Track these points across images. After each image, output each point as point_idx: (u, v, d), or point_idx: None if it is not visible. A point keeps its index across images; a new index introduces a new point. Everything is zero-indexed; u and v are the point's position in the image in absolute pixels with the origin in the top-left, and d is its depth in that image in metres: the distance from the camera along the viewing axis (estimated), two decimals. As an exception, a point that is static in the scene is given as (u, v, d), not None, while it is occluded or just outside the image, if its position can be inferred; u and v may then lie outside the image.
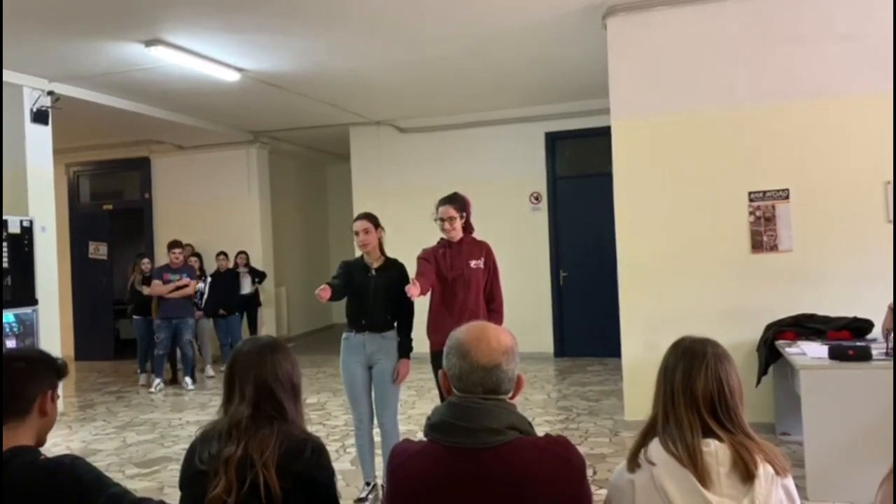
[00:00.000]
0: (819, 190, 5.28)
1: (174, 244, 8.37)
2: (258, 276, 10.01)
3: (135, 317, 8.82)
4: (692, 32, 5.51)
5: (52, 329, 7.07)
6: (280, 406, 1.91)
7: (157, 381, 8.16)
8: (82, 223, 11.09)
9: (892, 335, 4.16)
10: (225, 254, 9.55)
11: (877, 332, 4.61)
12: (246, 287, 9.75)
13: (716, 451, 1.73)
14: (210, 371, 8.87)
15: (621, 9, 5.61)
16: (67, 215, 10.93)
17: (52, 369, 1.93)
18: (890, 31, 4.99)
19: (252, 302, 9.96)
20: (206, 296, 8.78)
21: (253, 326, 9.97)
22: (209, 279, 8.98)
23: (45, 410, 1.87)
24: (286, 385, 1.95)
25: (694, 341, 1.88)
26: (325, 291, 3.97)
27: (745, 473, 1.71)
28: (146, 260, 9.06)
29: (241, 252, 9.84)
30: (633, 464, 1.80)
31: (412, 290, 3.87)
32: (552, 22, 5.98)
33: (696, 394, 1.78)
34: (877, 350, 4.18)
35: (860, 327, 4.78)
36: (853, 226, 5.20)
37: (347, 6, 5.50)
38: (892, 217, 5.11)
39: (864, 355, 4.07)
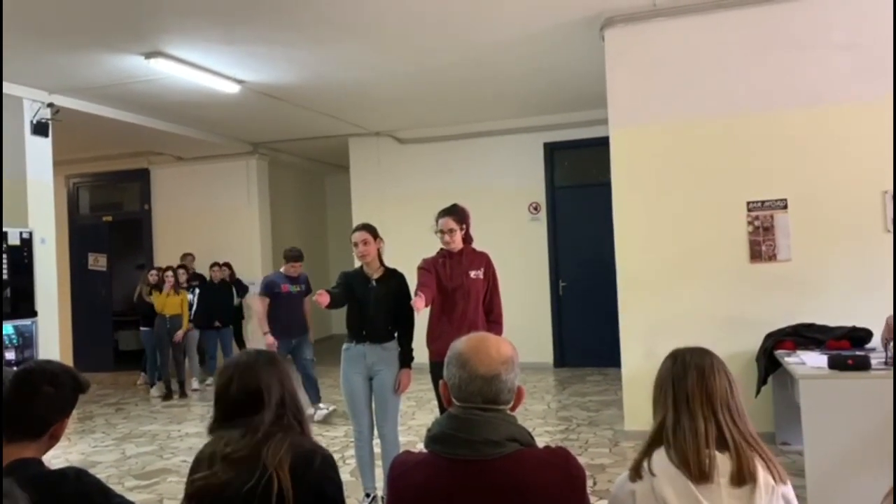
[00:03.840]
0: (817, 199, 5.29)
1: (295, 257, 7.00)
2: (242, 289, 9.86)
3: (142, 328, 8.77)
4: (689, 42, 5.54)
5: (52, 340, 7.05)
6: (301, 414, 1.92)
7: None
8: (82, 234, 11.09)
9: (892, 345, 4.16)
10: (218, 264, 9.43)
11: (876, 341, 4.61)
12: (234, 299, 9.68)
13: (717, 461, 1.73)
14: (195, 384, 8.71)
15: (619, 20, 5.64)
16: (67, 227, 10.91)
17: (78, 393, 1.89)
18: (886, 39, 5.02)
19: (237, 315, 9.90)
20: (194, 307, 8.73)
21: (240, 340, 9.89)
22: (198, 290, 8.93)
23: (57, 435, 1.86)
24: (296, 395, 1.96)
25: (693, 350, 1.92)
26: (322, 297, 3.97)
27: (746, 483, 1.71)
28: (153, 271, 8.98)
29: (224, 263, 9.57)
30: (636, 474, 1.81)
31: (418, 303, 3.87)
32: (550, 33, 6.01)
33: (712, 391, 1.81)
34: (876, 359, 4.17)
35: (859, 336, 4.77)
36: (852, 235, 5.21)
37: (347, 18, 5.52)
38: (889, 226, 5.13)
39: (863, 365, 4.07)
